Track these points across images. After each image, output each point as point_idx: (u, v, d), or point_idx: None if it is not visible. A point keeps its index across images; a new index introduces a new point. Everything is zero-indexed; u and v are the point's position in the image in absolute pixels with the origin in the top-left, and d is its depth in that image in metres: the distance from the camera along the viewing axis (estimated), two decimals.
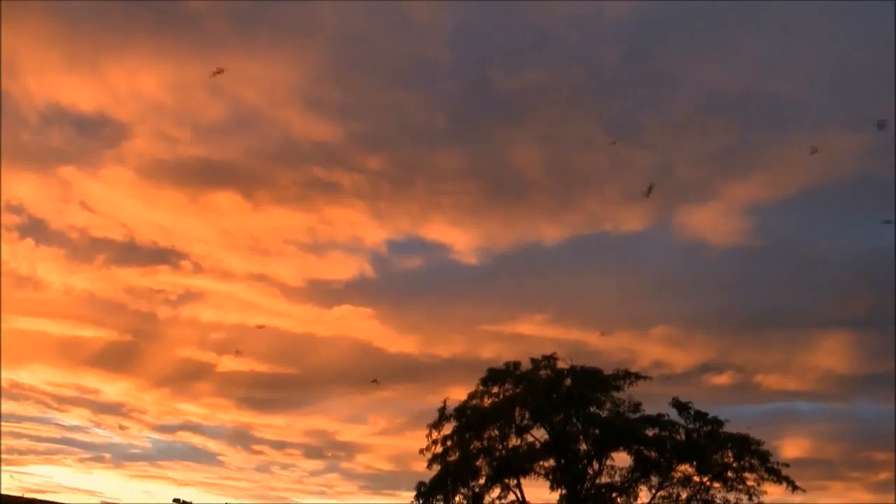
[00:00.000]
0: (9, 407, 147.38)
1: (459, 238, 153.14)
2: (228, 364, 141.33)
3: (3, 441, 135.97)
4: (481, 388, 53.91)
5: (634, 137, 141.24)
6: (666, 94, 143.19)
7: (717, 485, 49.21)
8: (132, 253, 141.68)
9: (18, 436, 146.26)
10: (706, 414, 50.43)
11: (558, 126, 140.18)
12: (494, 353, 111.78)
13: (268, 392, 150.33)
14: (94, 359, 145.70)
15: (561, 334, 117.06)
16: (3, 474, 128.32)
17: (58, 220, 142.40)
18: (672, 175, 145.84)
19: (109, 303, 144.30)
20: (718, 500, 49.00)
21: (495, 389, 53.64)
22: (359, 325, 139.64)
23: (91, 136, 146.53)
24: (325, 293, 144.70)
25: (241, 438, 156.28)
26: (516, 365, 54.08)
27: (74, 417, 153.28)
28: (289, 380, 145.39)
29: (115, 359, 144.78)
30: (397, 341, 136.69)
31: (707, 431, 49.89)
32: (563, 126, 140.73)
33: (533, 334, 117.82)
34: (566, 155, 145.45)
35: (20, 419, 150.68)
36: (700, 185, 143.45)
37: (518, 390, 52.78)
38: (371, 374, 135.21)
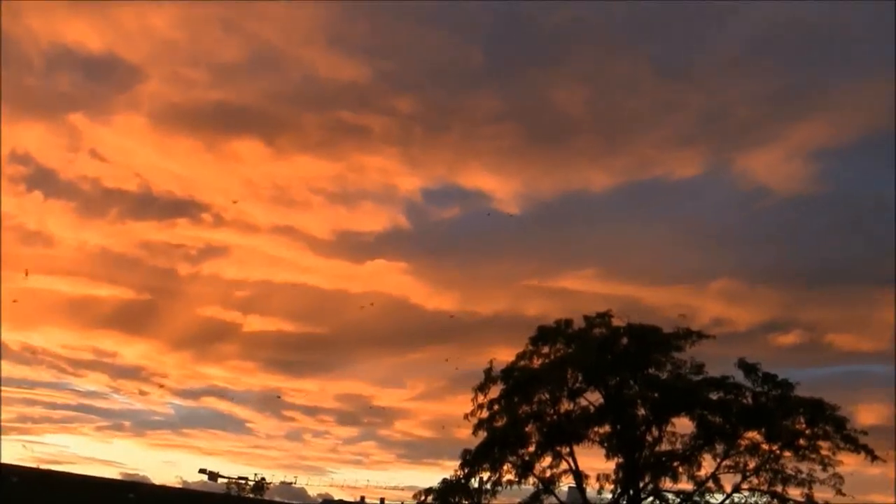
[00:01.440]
0: (21, 372, 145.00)
1: (499, 185, 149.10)
2: (254, 323, 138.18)
3: (15, 409, 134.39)
4: (530, 347, 52.36)
5: (686, 76, 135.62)
6: (719, 29, 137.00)
7: (787, 453, 47.35)
8: (148, 205, 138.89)
9: (32, 403, 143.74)
10: (775, 376, 48.46)
11: (602, 64, 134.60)
12: (540, 309, 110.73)
13: (297, 354, 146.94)
14: (110, 319, 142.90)
15: (611, 289, 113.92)
16: (16, 445, 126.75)
17: (67, 170, 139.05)
18: (728, 117, 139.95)
19: (125, 259, 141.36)
20: (789, 470, 47.04)
21: (545, 349, 52.08)
22: (393, 280, 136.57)
23: (100, 79, 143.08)
24: (355, 246, 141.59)
25: (270, 404, 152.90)
26: (568, 323, 52.49)
27: (91, 382, 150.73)
28: (319, 340, 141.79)
29: (133, 319, 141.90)
30: (435, 297, 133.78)
31: (776, 395, 47.96)
32: (607, 64, 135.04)
33: (581, 289, 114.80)
34: (612, 95, 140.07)
35: (33, 385, 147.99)
36: (759, 127, 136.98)
37: (570, 350, 51.25)
38: (407, 333, 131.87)
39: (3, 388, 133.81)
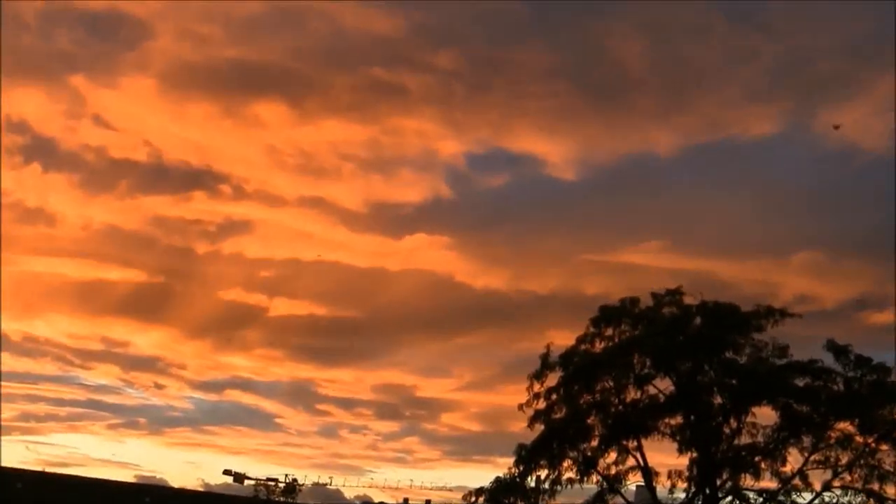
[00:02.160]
0: (23, 365, 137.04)
1: (552, 149, 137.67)
2: (282, 307, 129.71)
3: (18, 406, 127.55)
4: (591, 329, 48.88)
5: (760, 22, 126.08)
6: None
7: (884, 446, 43.64)
8: (160, 177, 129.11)
9: (35, 399, 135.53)
10: (870, 359, 44.71)
11: (665, 11, 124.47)
12: (600, 287, 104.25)
13: (330, 340, 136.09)
14: (121, 305, 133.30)
15: (681, 263, 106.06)
16: (20, 446, 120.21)
17: (69, 139, 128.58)
18: (810, 67, 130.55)
19: (136, 237, 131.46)
20: (887, 466, 43.27)
21: (609, 331, 48.61)
22: (436, 256, 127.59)
23: (104, 37, 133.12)
24: (393, 219, 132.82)
25: (302, 396, 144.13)
26: (634, 301, 49.07)
27: (101, 375, 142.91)
28: (355, 324, 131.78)
29: (147, 304, 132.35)
30: (483, 275, 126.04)
31: (871, 381, 44.22)
32: (670, 10, 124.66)
33: (646, 264, 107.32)
34: (676, 45, 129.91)
35: (37, 379, 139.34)
36: (845, 78, 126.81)
37: (636, 332, 47.98)
38: (453, 315, 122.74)
39: (3, 383, 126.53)
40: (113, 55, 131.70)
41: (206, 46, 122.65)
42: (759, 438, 44.82)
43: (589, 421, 46.92)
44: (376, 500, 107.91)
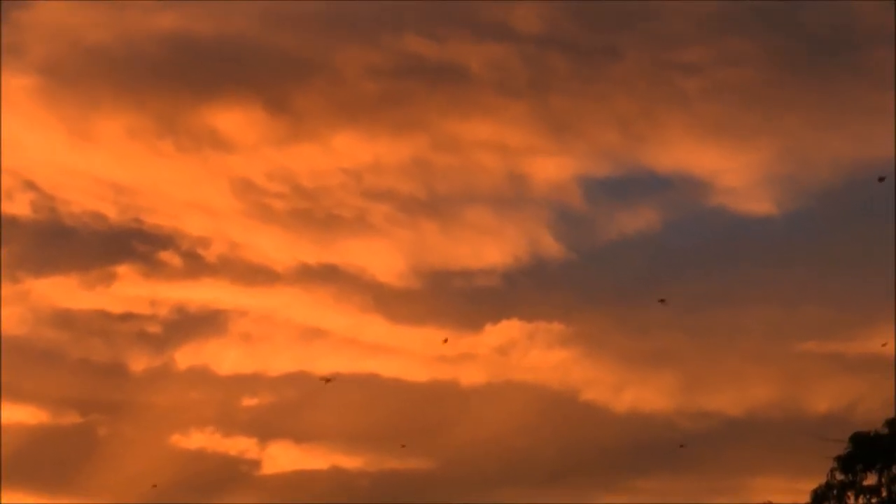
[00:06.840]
0: None
1: (732, 163, 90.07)
2: (283, 458, 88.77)
3: None
4: (838, 476, 38.87)
5: None
6: None
7: None
8: (58, 243, 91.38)
9: None
10: None
11: None
12: (837, 398, 78.37)
13: None
14: (6, 469, 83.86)
15: None
16: None
17: None
18: None
19: (26, 350, 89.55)
20: None
21: (871, 478, 38.41)
22: (543, 357, 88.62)
23: None
24: (465, 297, 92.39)
25: None
26: None
27: None
28: (412, 482, 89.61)
29: (50, 465, 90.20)
30: (628, 387, 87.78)
31: None
32: None
33: None
34: None
35: None
36: None
37: None
38: (582, 458, 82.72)
39: None
40: None
41: (124, 15, 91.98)
42: None
43: None
44: None
